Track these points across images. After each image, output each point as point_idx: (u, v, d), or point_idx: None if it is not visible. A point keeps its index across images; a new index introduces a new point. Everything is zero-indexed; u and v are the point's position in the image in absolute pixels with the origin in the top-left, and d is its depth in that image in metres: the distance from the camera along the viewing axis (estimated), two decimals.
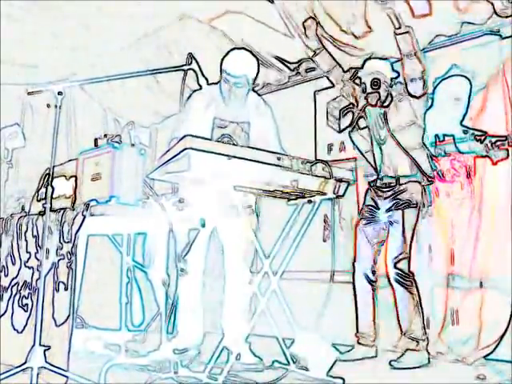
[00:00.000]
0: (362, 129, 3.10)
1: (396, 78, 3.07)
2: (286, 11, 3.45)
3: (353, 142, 3.20)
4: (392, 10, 2.94)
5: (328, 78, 3.28)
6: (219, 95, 2.98)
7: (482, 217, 3.08)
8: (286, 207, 2.83)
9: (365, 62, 3.14)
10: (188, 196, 2.76)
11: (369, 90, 3.03)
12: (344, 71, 3.21)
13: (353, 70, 3.18)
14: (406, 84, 3.01)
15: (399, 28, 2.93)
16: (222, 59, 2.96)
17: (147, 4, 3.57)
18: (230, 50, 3.00)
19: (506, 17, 3.03)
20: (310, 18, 3.26)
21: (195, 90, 2.99)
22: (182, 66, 2.82)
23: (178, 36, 3.79)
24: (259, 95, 3.16)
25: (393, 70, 3.09)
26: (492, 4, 3.01)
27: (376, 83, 3.01)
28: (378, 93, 3.01)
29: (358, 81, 3.13)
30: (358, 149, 3.18)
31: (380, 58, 3.17)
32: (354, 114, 3.10)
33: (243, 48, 3.07)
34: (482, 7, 3.05)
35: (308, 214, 2.78)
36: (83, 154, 2.93)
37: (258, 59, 2.99)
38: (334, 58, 3.24)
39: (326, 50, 3.26)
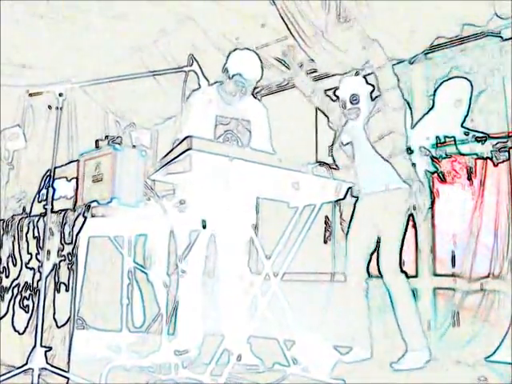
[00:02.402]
0: (345, 145, 3.17)
1: (372, 91, 3.17)
2: (286, 11, 3.45)
3: (333, 159, 3.27)
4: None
5: (311, 101, 3.38)
6: (218, 94, 3.00)
7: (482, 218, 3.08)
8: (287, 209, 2.83)
9: (340, 80, 3.25)
10: (187, 197, 2.76)
11: (348, 106, 3.14)
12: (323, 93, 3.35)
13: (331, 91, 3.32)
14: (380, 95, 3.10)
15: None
16: (229, 57, 2.97)
17: (149, 6, 3.58)
18: (241, 53, 3.02)
19: (507, 18, 3.04)
20: (288, 45, 3.41)
21: (194, 90, 3.00)
22: (183, 67, 2.82)
23: (179, 37, 3.80)
24: (255, 97, 3.19)
25: (367, 83, 3.19)
26: (493, 5, 3.02)
27: (355, 98, 3.12)
28: (358, 108, 3.12)
29: (337, 100, 3.25)
30: (337, 165, 3.22)
31: (355, 74, 3.28)
32: (335, 131, 3.21)
33: (252, 51, 3.08)
34: (483, 9, 3.05)
35: (309, 215, 2.78)
36: (84, 156, 2.93)
37: (262, 62, 3.03)
38: (312, 82, 3.42)
39: (305, 74, 3.42)
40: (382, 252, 3.01)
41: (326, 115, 3.41)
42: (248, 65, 2.97)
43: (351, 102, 3.13)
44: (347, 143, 3.17)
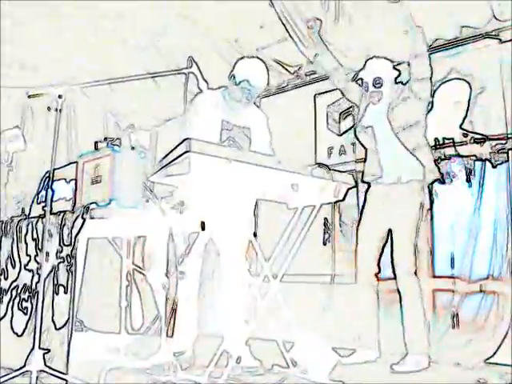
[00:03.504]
0: (367, 127, 3.06)
1: (398, 76, 3.06)
2: (285, 13, 3.46)
3: (359, 140, 3.17)
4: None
5: (330, 79, 3.28)
6: (222, 99, 3.00)
7: (481, 220, 3.08)
8: (286, 210, 2.83)
9: (366, 62, 3.13)
10: (185, 198, 2.76)
11: (371, 89, 3.02)
12: (346, 73, 3.21)
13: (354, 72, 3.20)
14: (409, 83, 3.01)
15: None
16: (237, 64, 2.97)
17: (149, 7, 3.58)
18: (247, 59, 3.01)
19: (505, 20, 3.04)
20: (314, 18, 3.27)
21: (198, 93, 3.00)
22: (183, 69, 2.82)
23: (179, 39, 3.80)
24: (256, 105, 3.20)
25: (394, 68, 3.08)
26: (491, 7, 3.02)
27: (378, 82, 3.00)
28: (381, 92, 3.01)
29: (359, 81, 3.12)
30: (364, 146, 3.15)
31: (382, 58, 3.17)
32: (354, 116, 3.12)
33: (261, 60, 3.07)
34: (482, 11, 3.06)
35: (308, 217, 2.78)
36: (83, 157, 2.93)
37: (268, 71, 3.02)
38: (337, 60, 3.25)
39: (330, 51, 3.25)
40: (396, 252, 2.92)
41: (343, 94, 3.28)
42: (255, 72, 2.95)
43: (374, 85, 3.01)
44: (368, 126, 3.05)
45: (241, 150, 2.89)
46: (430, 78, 2.95)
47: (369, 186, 3.04)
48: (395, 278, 2.93)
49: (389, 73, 3.04)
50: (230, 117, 2.97)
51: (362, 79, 3.10)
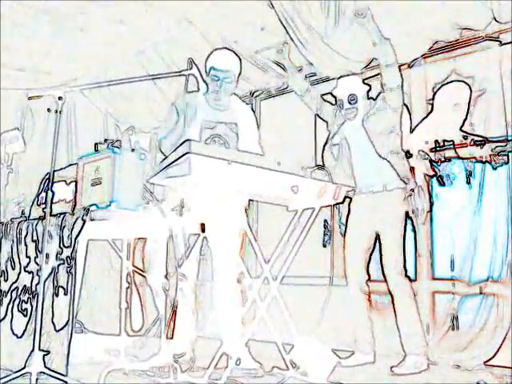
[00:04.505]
0: (335, 145, 3.19)
1: (368, 91, 3.20)
2: (285, 15, 3.46)
3: (322, 158, 3.31)
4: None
5: (302, 101, 3.39)
6: (205, 100, 3.01)
7: (481, 222, 3.08)
8: (285, 212, 2.83)
9: (338, 80, 3.27)
10: (184, 200, 2.76)
11: (346, 106, 3.15)
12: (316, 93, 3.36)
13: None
14: (381, 93, 3.11)
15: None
16: (206, 60, 3.00)
17: (148, 10, 3.58)
18: (213, 51, 3.06)
19: (506, 23, 3.04)
20: (283, 42, 3.41)
21: (188, 93, 3.01)
22: (183, 71, 2.83)
23: (179, 41, 3.80)
24: (242, 100, 3.19)
25: (364, 83, 3.21)
26: (492, 9, 3.02)
27: (353, 98, 3.13)
28: (356, 107, 3.13)
29: (333, 100, 3.27)
30: (323, 165, 3.24)
31: (352, 75, 3.30)
32: (329, 131, 3.23)
33: (225, 48, 3.11)
34: (482, 13, 3.06)
35: (308, 219, 2.78)
36: (83, 159, 2.93)
37: (240, 58, 3.03)
38: (307, 81, 3.43)
39: (300, 74, 3.45)
40: (385, 255, 2.99)
41: (318, 115, 3.42)
42: (218, 57, 2.99)
43: (349, 102, 3.14)
44: (336, 144, 3.18)
45: (228, 147, 2.90)
46: (402, 87, 3.06)
47: (350, 199, 3.12)
48: (385, 280, 2.96)
49: (361, 88, 3.18)
50: (214, 115, 2.98)
51: (335, 97, 3.24)
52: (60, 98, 2.65)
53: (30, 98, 2.78)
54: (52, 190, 2.68)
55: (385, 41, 3.03)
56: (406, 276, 2.97)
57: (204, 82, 2.92)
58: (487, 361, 2.90)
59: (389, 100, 3.05)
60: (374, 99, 3.16)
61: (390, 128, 3.05)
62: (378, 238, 3.03)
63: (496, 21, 3.06)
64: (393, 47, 3.03)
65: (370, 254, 3.07)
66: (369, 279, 3.06)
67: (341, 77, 3.28)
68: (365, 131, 3.08)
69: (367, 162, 3.07)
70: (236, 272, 2.86)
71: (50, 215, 2.67)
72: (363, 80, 3.23)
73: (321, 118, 3.42)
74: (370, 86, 3.20)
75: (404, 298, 2.93)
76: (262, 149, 3.05)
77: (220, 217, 2.69)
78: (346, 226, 3.15)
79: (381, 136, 3.04)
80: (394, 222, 2.99)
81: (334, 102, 3.28)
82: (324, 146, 3.32)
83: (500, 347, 2.88)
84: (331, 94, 3.28)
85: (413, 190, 3.06)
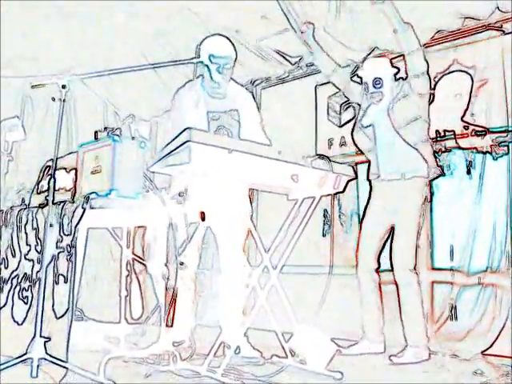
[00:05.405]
0: (366, 127, 3.09)
1: (396, 73, 3.08)
2: (287, 3, 3.44)
3: (354, 141, 3.21)
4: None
5: (330, 82, 3.30)
6: (201, 89, 2.98)
7: (481, 212, 3.08)
8: (286, 201, 2.83)
9: (363, 61, 3.18)
10: (185, 189, 2.76)
11: (371, 89, 3.04)
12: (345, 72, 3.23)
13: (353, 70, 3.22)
14: (407, 79, 3.02)
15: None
16: (199, 49, 2.94)
17: None
18: (206, 38, 3.00)
19: (509, 12, 3.02)
20: (306, 22, 3.30)
21: (179, 88, 2.99)
22: (192, 59, 2.81)
23: (179, 30, 3.78)
24: (238, 84, 3.15)
25: (392, 66, 3.10)
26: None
27: (378, 82, 3.02)
28: (381, 92, 3.03)
29: (359, 80, 3.14)
30: (359, 149, 3.18)
31: (378, 56, 3.22)
32: (355, 111, 3.13)
33: (217, 34, 3.07)
34: (485, 2, 3.04)
35: (308, 208, 2.78)
36: (83, 147, 2.92)
37: (233, 44, 3.00)
38: (334, 61, 3.26)
39: (325, 52, 3.28)
40: (396, 246, 2.96)
41: (345, 96, 3.32)
42: (215, 43, 2.94)
43: (374, 86, 3.03)
44: (368, 125, 3.07)
45: (232, 136, 2.88)
46: (427, 72, 2.97)
47: (372, 184, 3.07)
48: (392, 270, 2.95)
49: (388, 71, 3.05)
50: (215, 105, 2.95)
51: (361, 78, 3.12)
52: (64, 87, 2.63)
53: (33, 87, 2.77)
54: (54, 178, 2.68)
55: (406, 26, 2.92)
56: (415, 269, 2.94)
57: (208, 69, 2.89)
58: (485, 350, 2.91)
59: (415, 87, 2.95)
60: (404, 79, 3.04)
61: (416, 115, 2.96)
62: (393, 227, 2.99)
63: (499, 10, 3.04)
64: (415, 32, 2.93)
65: (384, 243, 3.02)
66: (379, 267, 3.03)
67: (367, 56, 3.18)
68: (389, 117, 3.00)
69: (390, 149, 3.00)
70: (241, 263, 2.86)
71: (52, 203, 2.67)
72: (391, 61, 3.10)
73: (349, 100, 3.30)
74: (398, 68, 3.07)
75: (410, 292, 2.90)
76: (265, 132, 3.02)
77: (224, 206, 2.68)
78: (365, 212, 3.11)
79: (407, 123, 2.95)
80: (410, 212, 2.93)
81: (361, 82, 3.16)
82: (353, 130, 3.22)
83: (498, 337, 2.89)
84: (357, 75, 3.17)
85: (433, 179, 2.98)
